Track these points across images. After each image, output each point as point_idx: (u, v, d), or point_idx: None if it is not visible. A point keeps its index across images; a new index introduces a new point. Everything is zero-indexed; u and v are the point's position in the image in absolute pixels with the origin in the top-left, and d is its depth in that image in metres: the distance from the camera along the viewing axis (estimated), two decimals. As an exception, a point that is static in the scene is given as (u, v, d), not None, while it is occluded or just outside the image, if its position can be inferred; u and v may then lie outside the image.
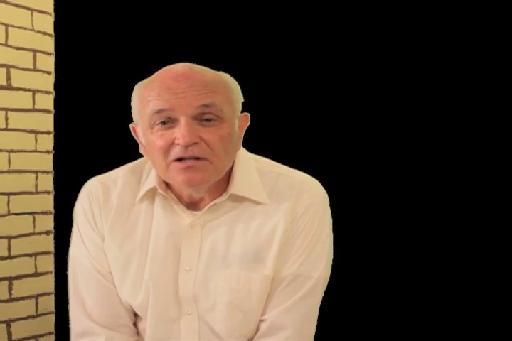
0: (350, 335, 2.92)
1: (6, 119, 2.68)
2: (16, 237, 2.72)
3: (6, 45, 2.66)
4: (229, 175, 1.41)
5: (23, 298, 2.74)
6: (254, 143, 1.53)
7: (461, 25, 2.86)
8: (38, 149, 2.81)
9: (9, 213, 2.69)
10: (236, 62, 2.74)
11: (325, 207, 1.45)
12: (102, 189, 1.46)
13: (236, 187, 1.39)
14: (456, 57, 2.88)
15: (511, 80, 2.86)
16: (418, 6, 2.89)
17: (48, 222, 2.85)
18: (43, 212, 2.83)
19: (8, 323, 2.69)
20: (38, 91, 2.80)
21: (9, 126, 2.70)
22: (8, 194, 2.69)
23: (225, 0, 3.00)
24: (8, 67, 2.68)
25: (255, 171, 1.44)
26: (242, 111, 1.41)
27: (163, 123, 1.32)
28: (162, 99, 1.31)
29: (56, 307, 2.87)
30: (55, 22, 2.86)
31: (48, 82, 2.84)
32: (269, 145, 1.94)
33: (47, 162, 2.85)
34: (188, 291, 1.40)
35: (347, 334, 2.90)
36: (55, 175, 2.88)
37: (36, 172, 2.80)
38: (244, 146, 1.46)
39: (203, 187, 1.36)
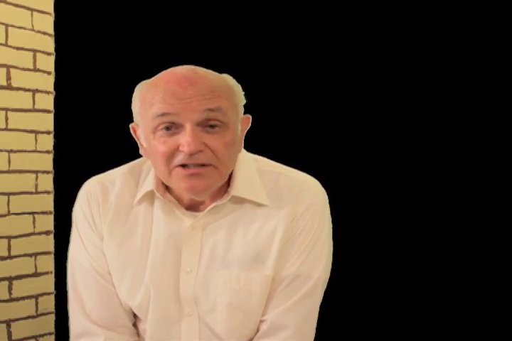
0: (350, 336, 2.92)
1: (6, 119, 2.68)
2: (16, 237, 2.72)
3: (6, 45, 2.66)
4: (229, 176, 1.41)
5: (23, 298, 2.74)
6: (254, 143, 1.53)
7: (461, 25, 2.86)
8: (38, 149, 2.81)
9: (9, 213, 2.70)
10: (234, 61, 2.75)
11: (325, 206, 1.45)
12: (101, 189, 1.45)
13: (237, 188, 1.39)
14: (456, 57, 2.88)
15: (511, 80, 2.86)
16: (418, 6, 2.89)
17: (48, 222, 2.85)
18: (43, 212, 2.83)
19: (8, 323, 2.69)
20: (38, 91, 2.80)
21: (9, 126, 2.70)
22: (8, 194, 2.69)
23: (225, 1, 3.00)
24: (8, 67, 2.68)
25: (255, 172, 1.43)
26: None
27: (167, 128, 1.31)
28: (166, 103, 1.30)
29: (56, 307, 2.87)
30: (55, 22, 2.86)
31: (48, 82, 2.84)
32: (268, 145, 1.93)
33: (47, 162, 2.85)
34: (188, 292, 1.39)
35: (347, 334, 2.90)
36: (55, 175, 2.88)
37: (36, 172, 2.80)
38: (243, 146, 1.45)
39: (206, 193, 1.36)
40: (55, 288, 2.87)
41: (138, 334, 1.48)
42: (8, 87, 2.68)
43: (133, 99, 1.38)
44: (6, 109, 2.68)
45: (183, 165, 1.31)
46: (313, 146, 2.96)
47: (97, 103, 3.00)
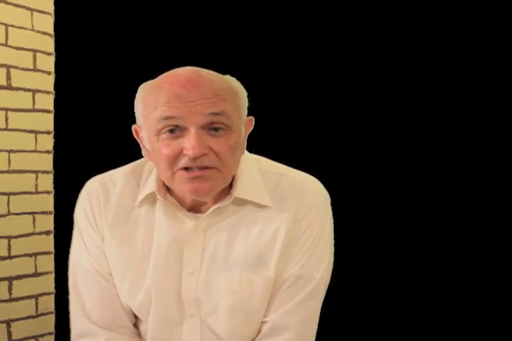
0: (351, 336, 2.92)
1: (6, 119, 2.68)
2: (16, 237, 2.72)
3: (6, 45, 2.66)
4: (232, 177, 1.40)
5: (23, 298, 2.74)
6: (255, 143, 1.53)
7: (461, 25, 2.86)
8: (38, 149, 2.81)
9: (9, 213, 2.69)
10: (236, 62, 2.74)
11: (326, 207, 1.45)
12: (102, 189, 1.45)
13: (239, 190, 1.39)
14: (456, 57, 2.88)
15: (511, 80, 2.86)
16: (418, 6, 2.89)
17: (48, 222, 2.85)
18: (43, 212, 2.83)
19: (8, 323, 2.69)
20: (38, 91, 2.80)
21: (9, 126, 2.69)
22: (8, 194, 2.69)
23: (225, 1, 3.00)
24: (8, 67, 2.68)
25: (257, 173, 1.43)
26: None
27: (171, 131, 1.30)
28: (170, 106, 1.29)
29: (56, 307, 2.87)
30: (55, 22, 2.86)
31: (48, 82, 2.84)
32: (269, 145, 1.93)
33: (47, 162, 2.84)
34: (190, 294, 1.39)
35: (348, 335, 2.90)
36: (55, 175, 2.88)
37: (36, 172, 2.80)
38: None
39: (210, 195, 1.36)
40: (55, 288, 2.87)
41: (139, 335, 1.48)
42: (8, 87, 2.68)
43: (135, 100, 1.38)
44: (6, 109, 2.68)
45: (187, 168, 1.31)
46: (314, 147, 2.96)
47: (97, 103, 3.00)
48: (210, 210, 1.39)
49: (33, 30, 2.76)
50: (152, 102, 1.32)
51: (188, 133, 1.29)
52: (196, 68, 1.36)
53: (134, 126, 1.41)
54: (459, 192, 2.92)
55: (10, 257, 2.70)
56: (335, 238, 1.47)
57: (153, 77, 1.39)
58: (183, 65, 1.38)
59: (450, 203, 2.93)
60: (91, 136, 2.99)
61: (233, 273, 1.38)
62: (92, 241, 1.44)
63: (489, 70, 2.86)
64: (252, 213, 1.40)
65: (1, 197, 2.66)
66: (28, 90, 2.76)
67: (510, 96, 2.86)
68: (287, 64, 2.99)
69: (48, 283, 2.85)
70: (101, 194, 1.45)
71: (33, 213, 2.78)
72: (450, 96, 2.91)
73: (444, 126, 2.92)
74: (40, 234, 2.81)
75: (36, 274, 2.80)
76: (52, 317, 2.87)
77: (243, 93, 1.37)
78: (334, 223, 1.47)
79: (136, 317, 1.47)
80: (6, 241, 2.68)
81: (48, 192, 2.85)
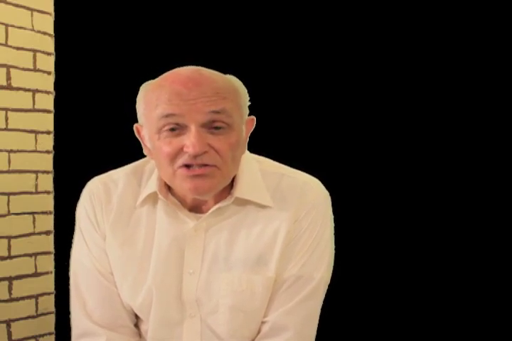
0: (351, 337, 2.92)
1: (6, 119, 2.68)
2: (16, 237, 2.72)
3: (6, 45, 2.66)
4: (233, 177, 1.40)
5: (23, 298, 2.74)
6: (255, 143, 1.53)
7: (461, 25, 2.86)
8: (38, 149, 2.81)
9: (9, 213, 2.69)
10: (238, 62, 2.74)
11: (327, 207, 1.45)
12: (103, 189, 1.46)
13: (240, 190, 1.39)
14: (456, 57, 2.88)
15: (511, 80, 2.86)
16: (418, 6, 2.89)
17: (48, 222, 2.85)
18: (43, 212, 2.83)
19: (8, 323, 2.69)
20: (38, 91, 2.80)
21: (9, 126, 2.69)
22: (8, 194, 2.69)
23: (226, 1, 3.00)
24: (8, 67, 2.67)
25: (258, 173, 1.43)
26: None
27: (172, 129, 1.31)
28: (171, 104, 1.29)
29: (56, 307, 2.87)
30: (55, 22, 2.86)
31: (48, 82, 2.84)
32: (270, 145, 1.93)
33: (47, 162, 2.84)
34: (191, 294, 1.40)
35: (348, 335, 2.90)
36: (55, 175, 2.88)
37: (36, 172, 2.80)
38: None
39: (210, 194, 1.36)
40: (55, 288, 2.87)
41: (139, 334, 1.48)
42: (8, 87, 2.68)
43: (137, 99, 1.38)
44: (6, 109, 2.68)
45: (187, 166, 1.31)
46: (314, 147, 2.96)
47: (97, 103, 3.00)
48: (211, 210, 1.39)
49: (33, 30, 2.76)
50: (153, 100, 1.32)
51: (189, 131, 1.30)
52: (197, 67, 1.36)
53: (135, 125, 1.42)
54: (459, 194, 2.92)
55: (10, 257, 2.70)
56: (335, 238, 1.47)
57: (153, 76, 1.39)
58: (184, 65, 1.38)
59: (450, 204, 2.93)
60: (91, 136, 2.99)
61: (234, 274, 1.38)
62: (94, 241, 1.45)
63: (489, 70, 2.86)
64: (253, 213, 1.41)
65: (1, 197, 2.66)
66: (28, 90, 2.76)
67: (510, 96, 2.87)
68: (288, 64, 2.99)
69: (48, 283, 2.85)
70: (102, 194, 1.45)
71: (33, 213, 2.78)
72: (450, 96, 2.91)
73: (444, 126, 2.92)
74: (40, 234, 2.81)
75: (36, 274, 2.80)
76: (52, 317, 2.87)
77: (244, 92, 1.38)
78: (334, 223, 1.47)
79: (137, 317, 1.47)
80: (6, 241, 2.68)
81: (48, 192, 2.85)
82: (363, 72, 2.96)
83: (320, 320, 1.46)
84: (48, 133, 2.85)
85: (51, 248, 2.86)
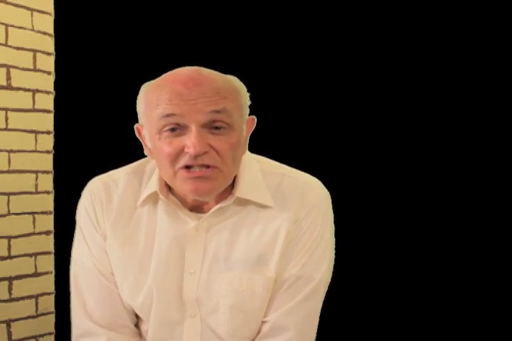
0: (351, 337, 2.92)
1: (6, 119, 2.68)
2: (16, 237, 2.72)
3: (6, 45, 2.66)
4: (233, 177, 1.40)
5: (23, 298, 2.74)
6: (256, 143, 1.53)
7: (461, 25, 2.86)
8: (38, 149, 2.81)
9: (9, 213, 2.69)
10: (237, 61, 2.74)
11: (327, 207, 1.45)
12: (104, 189, 1.46)
13: (241, 190, 1.39)
14: (456, 57, 2.88)
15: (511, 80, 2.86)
16: (418, 6, 2.90)
17: (48, 222, 2.85)
18: (43, 212, 2.82)
19: (8, 323, 2.69)
20: (38, 91, 2.80)
21: (9, 126, 2.69)
22: (8, 194, 2.69)
23: (226, 1, 3.00)
24: (8, 67, 2.67)
25: (259, 173, 1.43)
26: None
27: (172, 130, 1.31)
28: (172, 104, 1.29)
29: (56, 307, 2.87)
30: (55, 22, 2.85)
31: (48, 82, 2.84)
32: (270, 145, 1.93)
33: (47, 162, 2.84)
34: (191, 294, 1.40)
35: (348, 336, 2.90)
36: (55, 175, 2.88)
37: (36, 172, 2.79)
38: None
39: (211, 195, 1.36)
40: (55, 288, 2.87)
41: (140, 334, 1.48)
42: (8, 87, 2.68)
43: (138, 99, 1.38)
44: (6, 109, 2.68)
45: (188, 167, 1.31)
46: (315, 147, 2.96)
47: (97, 103, 3.00)
48: (212, 210, 1.39)
49: (33, 30, 2.76)
50: (154, 100, 1.32)
51: (189, 132, 1.30)
52: (198, 67, 1.36)
53: (136, 125, 1.42)
54: (458, 194, 2.92)
55: (10, 257, 2.70)
56: (336, 238, 1.47)
57: (153, 77, 1.39)
58: (185, 65, 1.38)
59: (450, 204, 2.93)
60: (91, 136, 2.99)
61: (234, 273, 1.38)
62: (94, 241, 1.45)
63: (489, 70, 2.86)
64: (254, 213, 1.41)
65: (1, 197, 2.66)
66: (28, 90, 2.76)
67: (510, 96, 2.87)
68: (289, 64, 2.99)
69: (48, 283, 2.85)
70: (103, 194, 1.45)
71: (33, 213, 2.78)
72: (450, 96, 2.91)
73: (444, 125, 2.92)
74: (40, 234, 2.81)
75: (36, 274, 2.80)
76: (52, 317, 2.87)
77: (245, 92, 1.38)
78: (335, 223, 1.47)
79: (137, 316, 1.47)
80: (6, 241, 2.68)
81: (48, 192, 2.85)
82: (362, 72, 2.96)
83: (320, 320, 1.46)
84: (48, 133, 2.85)
85: (51, 248, 2.86)
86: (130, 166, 1.50)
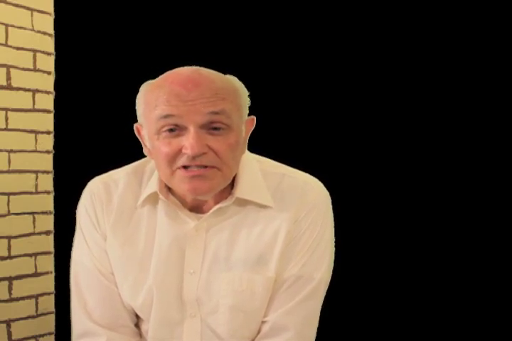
0: (351, 337, 2.92)
1: (6, 119, 2.68)
2: (16, 237, 2.72)
3: (6, 45, 2.66)
4: (233, 177, 1.40)
5: (23, 298, 2.74)
6: (255, 143, 1.53)
7: (461, 25, 2.86)
8: (38, 149, 2.81)
9: (9, 213, 2.69)
10: (237, 61, 2.74)
11: (327, 207, 1.45)
12: (104, 189, 1.46)
13: (241, 190, 1.39)
14: (456, 57, 2.88)
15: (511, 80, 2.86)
16: (418, 6, 2.90)
17: (48, 222, 2.85)
18: (43, 212, 2.83)
19: (8, 323, 2.69)
20: (38, 91, 2.80)
21: (9, 126, 2.70)
22: (8, 194, 2.69)
23: (226, 1, 3.00)
24: (8, 67, 2.68)
25: (259, 173, 1.43)
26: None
27: (171, 130, 1.31)
28: (170, 105, 1.29)
29: (56, 307, 2.87)
30: (55, 22, 2.86)
31: (48, 82, 2.84)
32: (270, 145, 1.93)
33: (47, 162, 2.84)
34: (191, 294, 1.40)
35: (348, 336, 2.90)
36: (55, 175, 2.88)
37: (36, 172, 2.80)
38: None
39: (209, 194, 1.36)
40: (55, 288, 2.87)
41: (140, 334, 1.48)
42: (8, 87, 2.68)
43: (137, 99, 1.38)
44: (6, 109, 2.68)
45: (185, 167, 1.31)
46: (315, 147, 2.96)
47: (97, 103, 3.00)
48: (211, 210, 1.39)
49: (33, 30, 2.77)
50: (152, 101, 1.32)
51: (188, 132, 1.29)
52: (197, 67, 1.36)
53: (135, 125, 1.42)
54: (458, 194, 2.92)
55: (10, 257, 2.70)
56: (336, 238, 1.47)
57: (153, 77, 1.39)
58: (184, 65, 1.38)
59: (450, 204, 2.93)
60: (91, 136, 2.99)
61: (234, 273, 1.38)
62: (94, 241, 1.45)
63: (489, 70, 2.86)
64: (254, 213, 1.41)
65: (1, 197, 2.66)
66: (28, 90, 2.76)
67: (510, 96, 2.87)
68: (289, 64, 2.99)
69: (48, 283, 2.85)
70: (103, 194, 1.45)
71: (33, 213, 2.78)
72: (449, 96, 2.91)
73: (444, 125, 2.92)
74: (40, 234, 2.81)
75: (36, 274, 2.80)
76: (52, 317, 2.87)
77: (244, 92, 1.37)
78: (335, 223, 1.47)
79: (137, 316, 1.47)
80: (6, 241, 2.68)
81: (48, 192, 2.85)
82: (362, 72, 2.96)
83: (320, 320, 1.46)
84: (48, 133, 2.85)
85: (51, 248, 2.86)
86: (130, 166, 1.50)
